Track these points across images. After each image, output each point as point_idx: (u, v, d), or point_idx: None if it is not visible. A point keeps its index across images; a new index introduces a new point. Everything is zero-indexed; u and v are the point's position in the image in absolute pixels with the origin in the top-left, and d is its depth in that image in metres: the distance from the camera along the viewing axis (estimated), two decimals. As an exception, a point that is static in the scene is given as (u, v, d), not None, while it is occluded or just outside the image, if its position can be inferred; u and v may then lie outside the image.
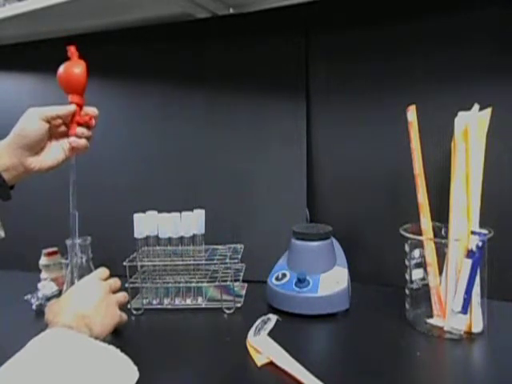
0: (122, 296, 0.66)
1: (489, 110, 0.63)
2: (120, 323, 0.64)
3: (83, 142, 0.62)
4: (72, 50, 0.62)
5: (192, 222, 0.77)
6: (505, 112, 0.69)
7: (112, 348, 0.50)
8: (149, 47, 0.97)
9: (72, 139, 0.61)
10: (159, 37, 0.96)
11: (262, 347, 0.59)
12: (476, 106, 0.63)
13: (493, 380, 0.52)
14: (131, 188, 0.97)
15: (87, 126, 0.63)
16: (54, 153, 0.62)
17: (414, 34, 0.77)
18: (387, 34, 0.79)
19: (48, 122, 0.59)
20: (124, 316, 0.65)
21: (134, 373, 0.49)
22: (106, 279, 0.65)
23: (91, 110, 0.63)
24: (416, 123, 0.64)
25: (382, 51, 0.80)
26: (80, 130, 0.62)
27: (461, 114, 0.63)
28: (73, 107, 0.61)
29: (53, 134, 0.62)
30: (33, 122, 0.58)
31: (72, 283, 0.70)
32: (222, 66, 0.92)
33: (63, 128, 0.62)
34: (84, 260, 0.72)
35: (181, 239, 0.77)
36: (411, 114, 0.64)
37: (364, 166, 0.83)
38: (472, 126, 0.61)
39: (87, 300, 0.58)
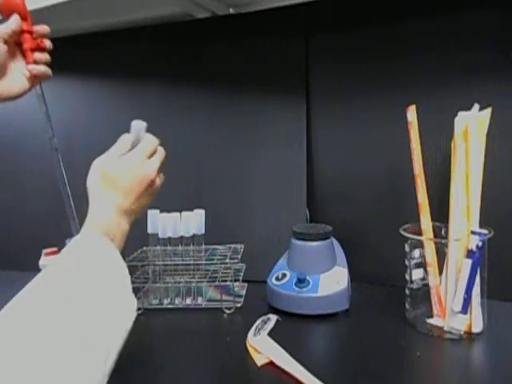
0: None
1: (489, 110, 0.63)
2: None
3: (43, 68, 0.60)
4: None
5: (192, 221, 0.77)
6: (505, 112, 0.69)
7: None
8: (149, 47, 0.97)
9: (31, 67, 0.60)
10: (159, 37, 0.96)
11: (262, 347, 0.59)
12: (476, 106, 0.63)
13: (493, 380, 0.52)
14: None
15: (42, 49, 0.61)
16: (18, 80, 0.60)
17: (414, 34, 0.77)
18: (387, 34, 0.79)
19: (5, 42, 0.57)
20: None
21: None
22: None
23: (40, 28, 0.60)
24: (416, 123, 0.64)
25: (382, 51, 0.80)
26: (37, 55, 0.60)
27: (461, 114, 0.63)
28: (16, 16, 0.58)
29: (12, 59, 0.60)
30: None
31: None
32: (222, 66, 0.92)
33: (20, 56, 0.60)
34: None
35: (181, 239, 0.77)
36: (411, 113, 0.64)
37: (364, 166, 0.83)
38: (472, 126, 0.61)
39: (129, 191, 0.51)
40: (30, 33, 0.60)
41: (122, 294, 0.45)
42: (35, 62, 0.60)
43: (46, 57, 0.61)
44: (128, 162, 0.52)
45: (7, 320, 0.36)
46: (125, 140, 0.55)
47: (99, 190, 0.51)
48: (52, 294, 0.39)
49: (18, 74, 0.60)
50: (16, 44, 0.60)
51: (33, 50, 0.60)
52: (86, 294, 0.40)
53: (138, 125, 0.58)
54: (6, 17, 0.59)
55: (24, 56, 0.60)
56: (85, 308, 0.39)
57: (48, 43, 0.61)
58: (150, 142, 0.57)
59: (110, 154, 0.54)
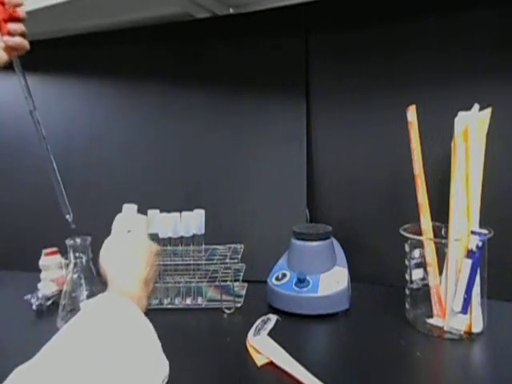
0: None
1: (489, 110, 0.63)
2: None
3: (18, 39, 0.59)
4: None
5: (192, 221, 0.77)
6: (505, 112, 0.69)
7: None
8: (149, 47, 0.97)
9: (6, 38, 0.59)
10: (159, 37, 0.96)
11: (262, 347, 0.59)
12: (476, 106, 0.63)
13: (493, 380, 0.52)
14: (131, 188, 0.97)
15: (16, 19, 0.59)
16: None
17: (414, 33, 0.77)
18: (387, 34, 0.79)
19: None
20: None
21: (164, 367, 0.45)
22: None
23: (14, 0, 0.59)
24: (416, 123, 0.64)
25: (381, 51, 0.80)
26: (11, 26, 0.59)
27: (461, 114, 0.63)
28: None
29: None
30: None
31: (72, 283, 0.71)
32: (222, 66, 0.92)
33: None
34: (84, 260, 0.72)
35: (181, 239, 0.77)
36: (411, 113, 0.64)
37: (364, 166, 0.83)
38: (472, 126, 0.61)
39: (144, 262, 0.54)
40: (2, 4, 0.58)
41: (154, 353, 0.43)
42: (10, 34, 0.58)
43: (20, 27, 0.59)
44: (135, 238, 0.58)
45: (34, 375, 0.34)
46: (120, 220, 0.62)
47: (116, 266, 0.53)
48: (78, 351, 0.37)
49: None
50: None
51: (6, 21, 0.58)
52: (114, 353, 0.38)
53: (130, 208, 0.66)
54: None
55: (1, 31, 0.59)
56: (114, 367, 0.37)
57: (21, 13, 0.60)
58: (144, 221, 0.63)
59: (115, 234, 0.59)
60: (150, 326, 0.45)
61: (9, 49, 0.59)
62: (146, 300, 0.50)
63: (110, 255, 0.55)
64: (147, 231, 0.61)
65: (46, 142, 0.62)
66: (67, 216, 0.63)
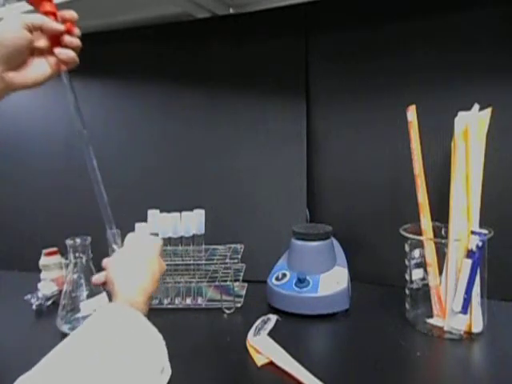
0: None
1: (489, 110, 0.63)
2: None
3: (71, 52, 0.55)
4: None
5: (192, 221, 0.77)
6: (505, 112, 0.69)
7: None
8: (149, 47, 0.97)
9: (58, 50, 0.54)
10: (159, 37, 0.96)
11: (262, 347, 0.59)
12: (476, 106, 0.63)
13: (493, 380, 0.52)
14: (131, 188, 0.97)
15: (70, 33, 0.55)
16: (39, 67, 0.55)
17: (414, 34, 0.77)
18: (387, 34, 0.79)
19: (30, 31, 0.52)
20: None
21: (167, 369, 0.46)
22: None
23: (68, 14, 0.55)
24: (416, 123, 0.64)
25: (382, 51, 0.80)
26: (67, 38, 0.54)
27: (461, 114, 0.63)
28: (61, 26, 0.54)
29: (34, 49, 0.55)
30: (14, 28, 0.51)
31: (72, 283, 0.71)
32: (222, 66, 0.92)
33: (44, 43, 0.55)
34: (84, 260, 0.72)
35: (181, 239, 0.77)
36: (411, 113, 0.64)
37: (364, 166, 0.83)
38: (472, 126, 0.61)
39: (147, 270, 0.54)
40: (55, 15, 0.54)
41: (160, 363, 0.44)
42: (65, 46, 0.55)
43: (77, 42, 0.56)
44: (148, 256, 0.57)
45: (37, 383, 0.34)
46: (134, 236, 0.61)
47: (127, 278, 0.52)
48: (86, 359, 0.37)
49: (40, 64, 0.55)
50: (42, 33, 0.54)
51: (61, 35, 0.54)
52: (120, 363, 0.39)
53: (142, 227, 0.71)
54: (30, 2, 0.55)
55: (51, 43, 0.55)
56: (119, 376, 0.37)
57: (76, 30, 0.56)
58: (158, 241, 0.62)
59: (128, 248, 0.59)
60: (160, 336, 0.47)
61: (58, 63, 0.56)
62: (147, 308, 0.51)
63: (120, 267, 0.54)
64: (160, 252, 0.60)
65: (95, 164, 0.62)
66: (110, 231, 0.61)
